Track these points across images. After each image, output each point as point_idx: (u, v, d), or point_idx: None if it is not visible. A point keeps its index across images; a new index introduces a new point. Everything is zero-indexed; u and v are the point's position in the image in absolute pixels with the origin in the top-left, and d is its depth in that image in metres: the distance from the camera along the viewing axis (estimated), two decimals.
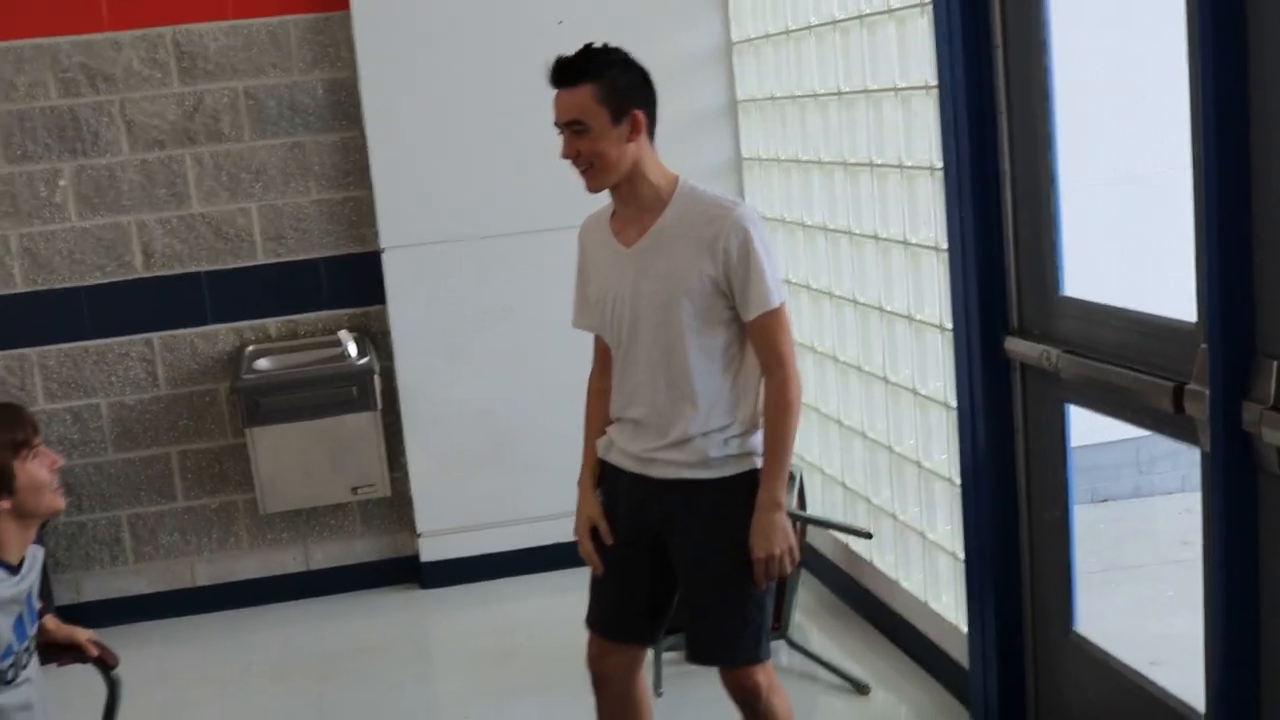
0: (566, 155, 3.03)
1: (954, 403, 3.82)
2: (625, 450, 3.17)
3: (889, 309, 4.20)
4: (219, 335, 5.23)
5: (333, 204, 5.22)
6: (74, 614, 3.02)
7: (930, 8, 3.62)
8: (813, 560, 4.97)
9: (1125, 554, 5.41)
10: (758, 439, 3.09)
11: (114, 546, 5.29)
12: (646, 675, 3.42)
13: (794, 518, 3.28)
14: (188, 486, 5.31)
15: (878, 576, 4.54)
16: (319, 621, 5.24)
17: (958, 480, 3.88)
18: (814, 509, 4.86)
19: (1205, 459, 2.84)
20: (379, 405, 5.02)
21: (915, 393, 4.11)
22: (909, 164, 3.96)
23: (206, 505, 5.34)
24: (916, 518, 4.23)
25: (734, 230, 2.97)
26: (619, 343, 3.14)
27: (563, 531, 5.37)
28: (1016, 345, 3.53)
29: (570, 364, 5.30)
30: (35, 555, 2.78)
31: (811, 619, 4.76)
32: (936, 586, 4.19)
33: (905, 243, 4.04)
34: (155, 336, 5.19)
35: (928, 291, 3.97)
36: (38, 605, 2.83)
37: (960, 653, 4.00)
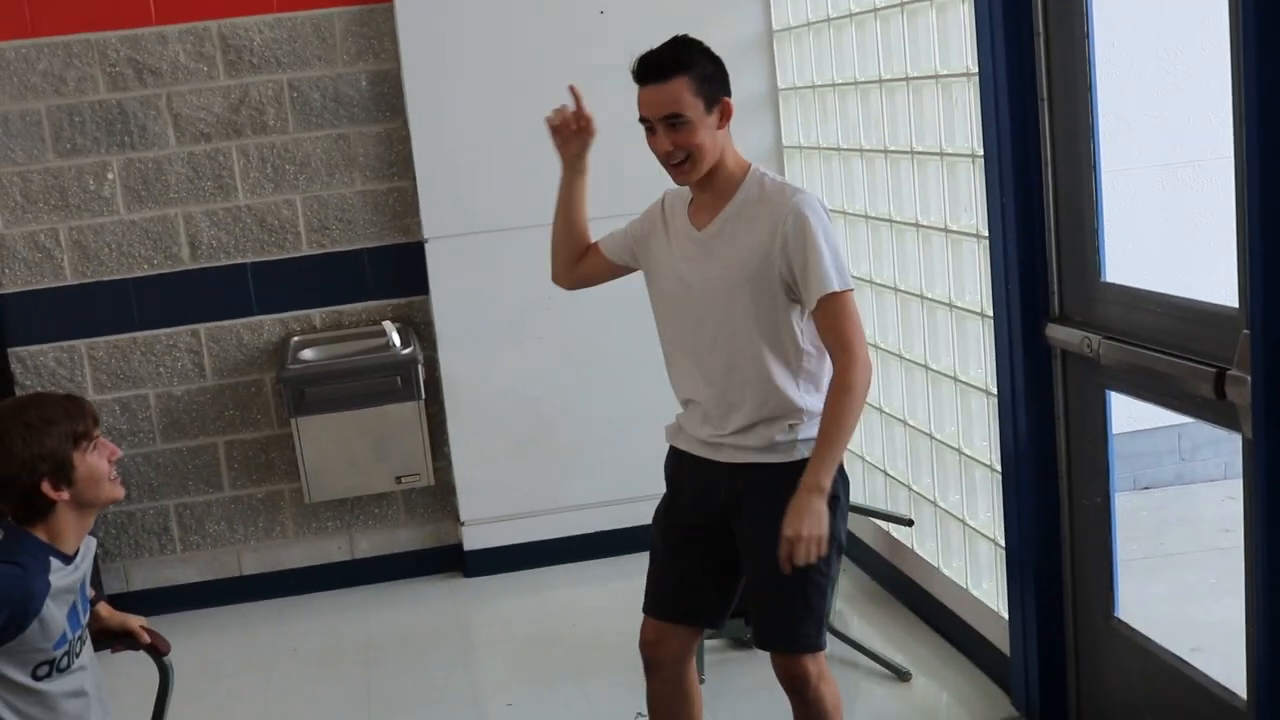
0: (663, 149, 3.02)
1: (995, 389, 3.82)
2: (694, 436, 3.20)
3: (930, 296, 4.21)
4: (264, 326, 5.28)
5: (376, 195, 5.26)
6: (122, 603, 3.07)
7: None
8: (853, 548, 4.98)
9: (1167, 541, 5.39)
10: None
11: (162, 536, 5.36)
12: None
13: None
14: (234, 476, 5.37)
15: (919, 563, 4.55)
16: (363, 610, 5.29)
17: (998, 467, 3.88)
18: (855, 496, 4.86)
19: (1246, 445, 2.84)
20: (422, 395, 5.06)
21: (956, 380, 4.12)
22: (950, 151, 3.96)
23: (252, 495, 5.40)
24: (957, 505, 4.24)
25: (793, 216, 2.98)
26: (681, 324, 3.16)
27: (605, 520, 5.46)
28: (1057, 332, 3.53)
29: (612, 354, 5.37)
30: (89, 545, 2.83)
31: (852, 606, 4.77)
32: (977, 573, 4.19)
33: (946, 230, 4.04)
34: (202, 327, 5.25)
35: (968, 278, 3.97)
36: (90, 594, 2.88)
37: (1001, 639, 4.00)
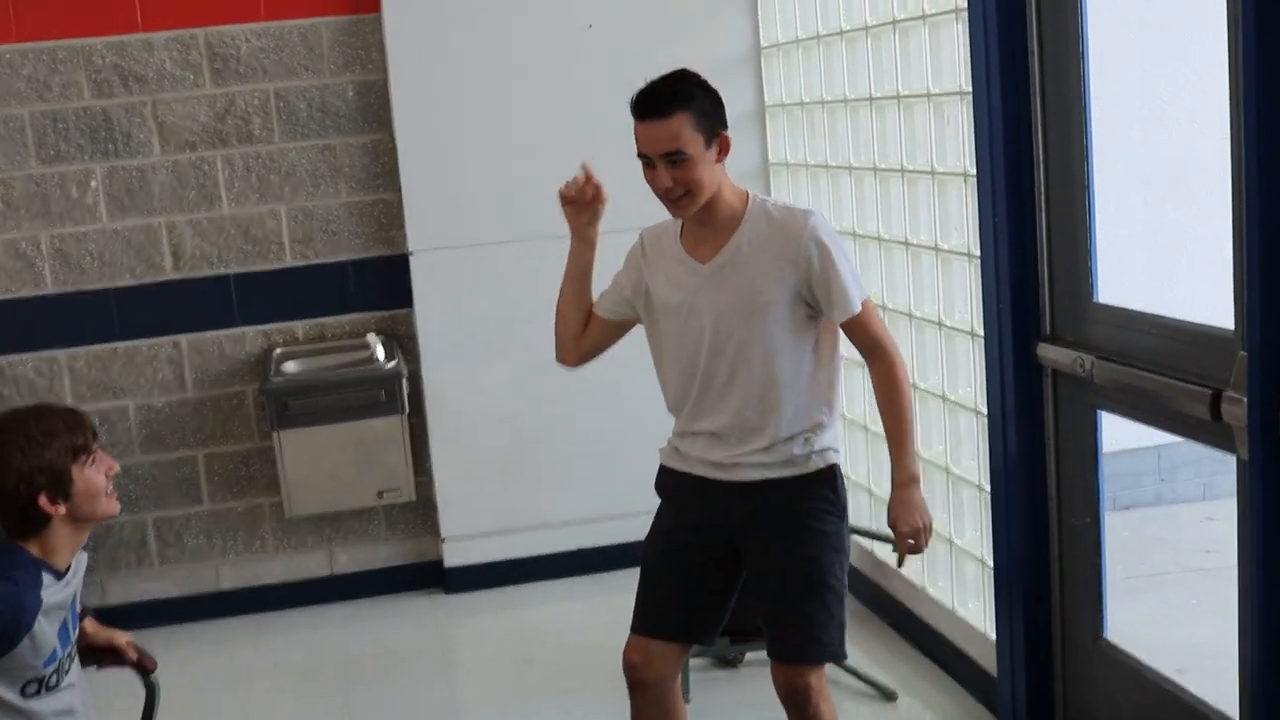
0: (663, 185, 3.02)
1: (984, 409, 3.82)
2: (700, 458, 3.19)
3: (919, 315, 4.20)
4: (247, 338, 5.24)
5: (362, 206, 5.23)
6: (99, 617, 3.04)
7: (965, 14, 3.62)
8: None
9: (1148, 562, 5.39)
10: (831, 435, 3.17)
11: (140, 549, 5.30)
12: None
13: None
14: (214, 489, 5.32)
15: (903, 583, 4.53)
16: (343, 626, 5.24)
17: (986, 486, 3.88)
18: None
19: (1241, 466, 2.84)
20: (406, 409, 5.02)
21: (944, 398, 4.12)
22: (941, 170, 3.96)
23: (232, 508, 5.35)
24: (944, 524, 4.23)
25: (812, 239, 3.04)
26: (690, 358, 3.15)
27: (587, 537, 5.43)
28: (1049, 351, 3.53)
29: (596, 370, 5.30)
30: (81, 560, 2.79)
31: None
32: (964, 593, 4.18)
33: (936, 249, 4.04)
34: (184, 338, 5.21)
35: (958, 297, 3.97)
36: (79, 608, 2.84)
37: (987, 659, 4.00)
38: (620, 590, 5.23)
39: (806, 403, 3.12)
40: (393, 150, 5.16)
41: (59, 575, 2.69)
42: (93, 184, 5.05)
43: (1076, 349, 3.43)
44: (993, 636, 3.94)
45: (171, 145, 5.07)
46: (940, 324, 4.08)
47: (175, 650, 4.99)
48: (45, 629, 2.63)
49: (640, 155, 3.05)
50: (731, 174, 3.17)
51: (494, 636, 5.05)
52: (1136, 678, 3.44)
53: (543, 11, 5.15)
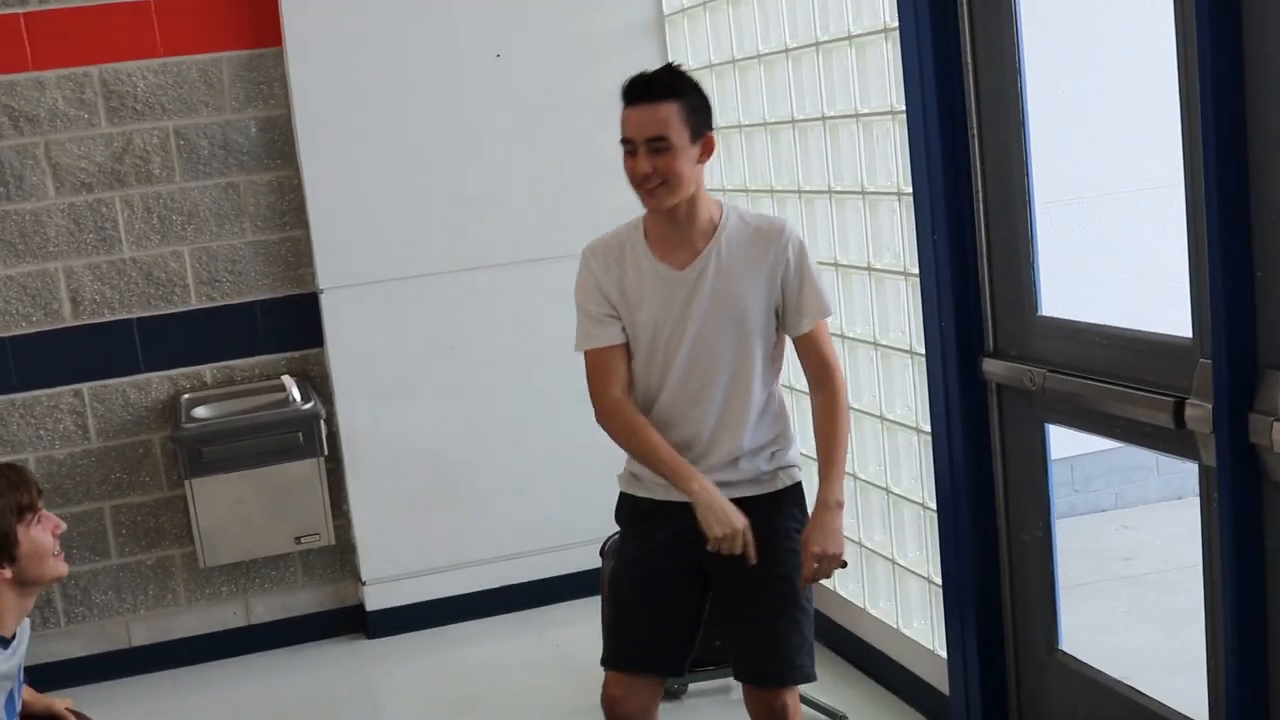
0: (641, 171, 2.99)
1: (927, 427, 3.81)
2: (661, 481, 3.11)
3: (851, 335, 4.19)
4: (152, 384, 5.05)
5: (268, 245, 5.08)
6: None
7: (896, 33, 3.62)
8: None
9: (1071, 572, 5.43)
10: (794, 452, 3.20)
11: (44, 608, 5.06)
12: None
13: None
14: (122, 542, 5.11)
15: (843, 605, 4.51)
16: (262, 677, 5.07)
17: (930, 504, 3.87)
18: None
19: (1206, 472, 2.86)
20: (324, 451, 4.88)
21: (882, 418, 4.10)
22: (872, 190, 3.95)
23: (142, 561, 5.14)
24: (884, 544, 4.21)
25: (793, 244, 3.09)
26: (664, 364, 3.10)
27: (512, 573, 5.33)
28: (994, 366, 3.53)
29: (514, 402, 5.27)
30: (24, 628, 2.64)
31: None
32: (908, 612, 4.16)
33: (869, 269, 4.03)
34: (85, 387, 4.99)
35: (893, 316, 3.96)
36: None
37: (937, 677, 3.98)
38: (550, 625, 5.19)
39: (769, 417, 3.15)
40: (299, 186, 5.03)
41: (5, 644, 2.54)
42: None
43: (1021, 362, 3.44)
44: (943, 654, 3.92)
45: (67, 187, 4.87)
46: (875, 344, 4.06)
47: (89, 712, 4.74)
48: None
49: (624, 141, 3.03)
50: None
51: (420, 680, 4.91)
52: (1095, 687, 3.45)
53: (449, 42, 5.05)
